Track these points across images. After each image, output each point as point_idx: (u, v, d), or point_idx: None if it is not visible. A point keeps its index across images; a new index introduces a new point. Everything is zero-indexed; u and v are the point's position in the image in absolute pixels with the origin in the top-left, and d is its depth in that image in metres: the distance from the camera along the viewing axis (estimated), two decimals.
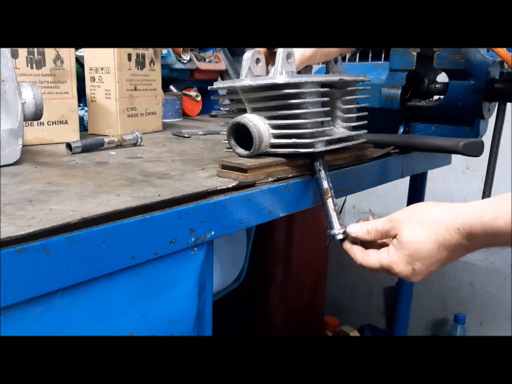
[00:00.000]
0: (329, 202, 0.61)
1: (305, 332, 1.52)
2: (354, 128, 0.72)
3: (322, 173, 0.62)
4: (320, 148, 0.62)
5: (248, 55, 0.65)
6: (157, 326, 0.51)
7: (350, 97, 0.71)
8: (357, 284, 1.98)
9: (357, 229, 0.59)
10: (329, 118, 0.67)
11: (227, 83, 0.64)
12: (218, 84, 0.66)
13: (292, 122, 0.61)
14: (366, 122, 0.73)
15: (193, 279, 0.53)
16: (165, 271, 0.50)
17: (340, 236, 0.60)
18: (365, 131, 0.73)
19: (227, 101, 0.71)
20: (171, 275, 0.51)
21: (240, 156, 0.63)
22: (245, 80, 0.61)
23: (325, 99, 0.64)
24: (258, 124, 0.61)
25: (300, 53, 0.66)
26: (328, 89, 0.66)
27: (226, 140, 0.65)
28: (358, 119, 0.73)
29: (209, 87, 0.69)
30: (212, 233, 0.53)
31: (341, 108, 0.70)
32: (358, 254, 0.59)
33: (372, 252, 0.58)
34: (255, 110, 0.63)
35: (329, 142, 0.65)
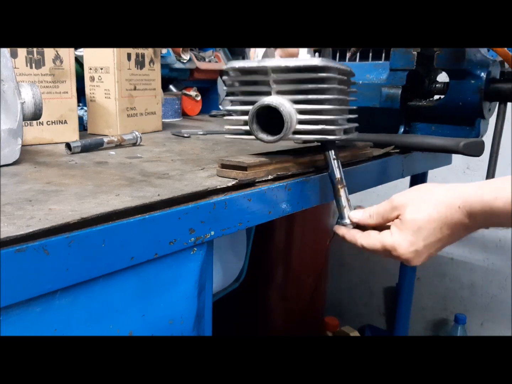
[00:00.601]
0: (343, 191, 0.61)
1: (305, 332, 1.52)
2: (348, 121, 0.71)
3: (336, 162, 0.62)
4: (340, 136, 0.62)
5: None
6: (157, 326, 0.50)
7: (347, 88, 0.70)
8: (357, 284, 1.98)
9: (359, 215, 0.59)
10: (347, 107, 0.66)
11: (253, 63, 0.60)
12: (239, 63, 0.61)
13: (323, 107, 0.59)
14: (357, 116, 0.72)
15: (193, 279, 0.53)
16: (165, 271, 0.50)
17: (351, 226, 0.60)
18: (356, 124, 0.72)
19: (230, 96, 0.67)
20: (171, 275, 0.51)
21: (264, 141, 0.60)
22: (277, 60, 0.58)
23: (345, 87, 0.64)
24: (288, 107, 0.58)
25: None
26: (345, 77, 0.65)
27: (232, 130, 0.63)
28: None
29: (225, 67, 0.64)
30: (212, 233, 0.53)
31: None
32: (358, 235, 0.58)
33: (373, 232, 0.57)
34: (280, 93, 0.60)
35: (345, 131, 0.65)
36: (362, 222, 0.59)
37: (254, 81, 0.61)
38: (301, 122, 0.59)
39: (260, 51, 0.64)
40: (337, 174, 0.62)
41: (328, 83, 0.59)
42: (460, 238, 0.54)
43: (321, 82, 0.59)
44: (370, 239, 0.57)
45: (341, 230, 0.61)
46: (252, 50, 0.66)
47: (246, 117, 0.61)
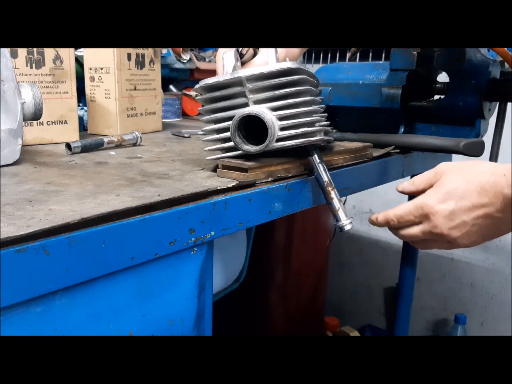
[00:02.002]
0: (334, 193, 0.61)
1: (305, 332, 1.52)
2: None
3: (322, 166, 0.62)
4: (322, 137, 0.62)
5: (231, 53, 0.64)
6: (157, 326, 0.51)
7: (316, 89, 0.70)
8: (357, 284, 1.98)
9: (403, 185, 0.62)
10: (321, 107, 0.66)
11: (226, 76, 0.60)
12: (212, 79, 0.60)
13: (301, 110, 0.59)
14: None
15: (193, 279, 0.53)
16: (165, 271, 0.50)
17: (348, 227, 0.60)
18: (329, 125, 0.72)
19: (209, 106, 0.64)
20: (171, 275, 0.51)
21: (248, 153, 0.59)
22: (250, 69, 0.58)
23: (315, 88, 0.64)
24: (270, 114, 0.58)
25: (285, 50, 0.68)
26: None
27: (208, 143, 0.63)
28: None
29: (197, 86, 0.62)
30: (212, 233, 0.53)
31: None
32: (388, 211, 0.60)
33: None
34: (257, 103, 0.59)
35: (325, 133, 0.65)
36: (407, 189, 0.61)
37: (229, 95, 0.60)
38: (282, 128, 0.59)
39: (230, 67, 0.64)
40: (325, 177, 0.61)
41: (302, 85, 0.59)
42: (498, 216, 0.49)
43: (296, 85, 0.59)
44: (401, 206, 0.58)
45: (373, 217, 0.63)
46: (220, 69, 0.66)
47: (227, 134, 0.60)
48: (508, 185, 0.48)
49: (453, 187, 0.51)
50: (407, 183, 0.61)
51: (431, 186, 0.56)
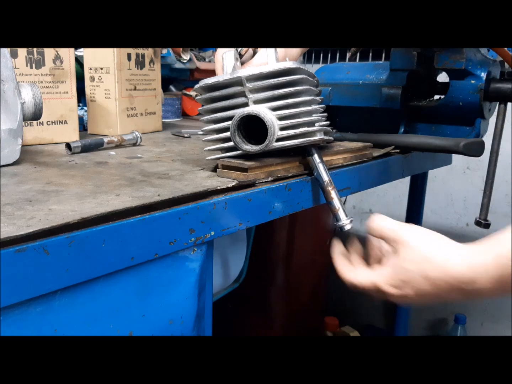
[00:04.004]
0: (334, 193, 0.61)
1: (305, 332, 1.52)
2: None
3: (322, 166, 0.62)
4: (322, 137, 0.62)
5: (231, 53, 0.64)
6: (157, 326, 0.51)
7: (316, 88, 0.70)
8: None
9: (374, 226, 0.56)
10: (321, 107, 0.66)
11: (225, 76, 0.59)
12: (212, 79, 0.60)
13: (301, 109, 0.59)
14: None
15: (193, 279, 0.53)
16: (165, 271, 0.50)
17: (348, 227, 0.60)
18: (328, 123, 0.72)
19: (208, 106, 0.64)
20: (171, 275, 0.51)
21: (248, 153, 0.59)
22: (250, 69, 0.58)
23: (315, 88, 0.64)
24: (270, 114, 0.58)
25: (284, 50, 0.68)
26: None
27: (208, 142, 0.63)
28: None
29: (197, 86, 0.62)
30: (212, 233, 0.53)
31: None
32: (346, 269, 0.57)
33: (360, 270, 0.56)
34: (257, 103, 0.59)
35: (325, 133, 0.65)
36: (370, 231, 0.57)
37: (229, 94, 0.60)
38: (282, 128, 0.59)
39: (229, 66, 0.64)
40: (325, 177, 0.61)
41: (302, 85, 0.59)
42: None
43: (295, 85, 0.59)
44: (361, 277, 0.55)
45: (336, 249, 0.60)
46: (219, 68, 0.66)
47: (226, 134, 0.60)
48: (467, 283, 0.48)
49: (410, 279, 0.50)
50: (376, 226, 0.56)
51: (389, 241, 0.54)
